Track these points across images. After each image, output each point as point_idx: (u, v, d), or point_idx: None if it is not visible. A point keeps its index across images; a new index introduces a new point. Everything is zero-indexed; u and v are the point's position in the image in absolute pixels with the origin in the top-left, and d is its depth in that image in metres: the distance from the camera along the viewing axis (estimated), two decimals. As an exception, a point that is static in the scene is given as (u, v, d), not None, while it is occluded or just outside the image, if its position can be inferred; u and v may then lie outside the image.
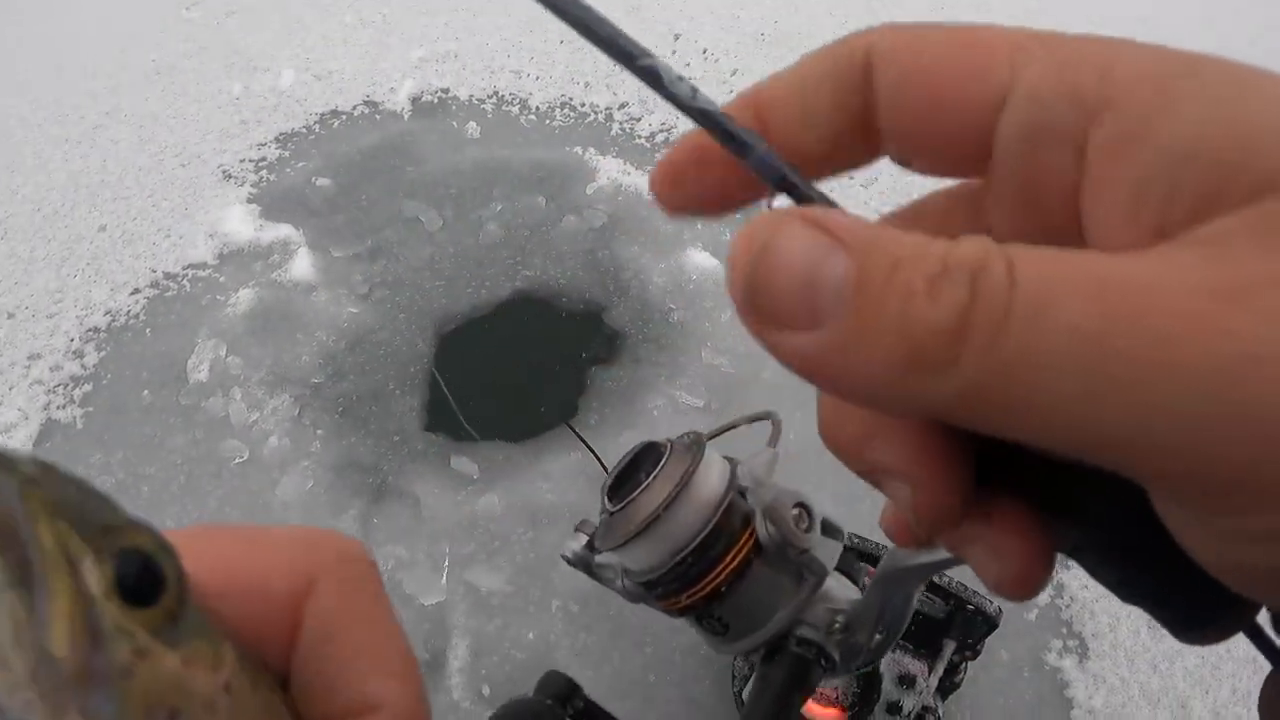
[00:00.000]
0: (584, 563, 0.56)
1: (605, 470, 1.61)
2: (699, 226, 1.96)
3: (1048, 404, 0.16)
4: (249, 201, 2.00)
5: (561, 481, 1.51)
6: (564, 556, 0.56)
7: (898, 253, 0.17)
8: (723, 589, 0.46)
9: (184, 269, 1.88)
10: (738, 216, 0.23)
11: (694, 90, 0.19)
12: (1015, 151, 0.19)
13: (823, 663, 0.50)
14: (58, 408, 1.64)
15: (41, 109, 2.34)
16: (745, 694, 1.12)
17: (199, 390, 1.64)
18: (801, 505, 0.47)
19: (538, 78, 2.33)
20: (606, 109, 2.21)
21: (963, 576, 1.12)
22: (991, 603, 1.06)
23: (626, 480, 0.49)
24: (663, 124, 2.18)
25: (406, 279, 1.84)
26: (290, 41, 2.52)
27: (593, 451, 1.51)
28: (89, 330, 1.76)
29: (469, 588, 1.38)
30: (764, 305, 0.18)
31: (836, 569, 0.50)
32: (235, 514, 1.46)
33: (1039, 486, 0.21)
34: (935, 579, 1.07)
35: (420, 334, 1.75)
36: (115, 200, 2.03)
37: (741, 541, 0.46)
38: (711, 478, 0.47)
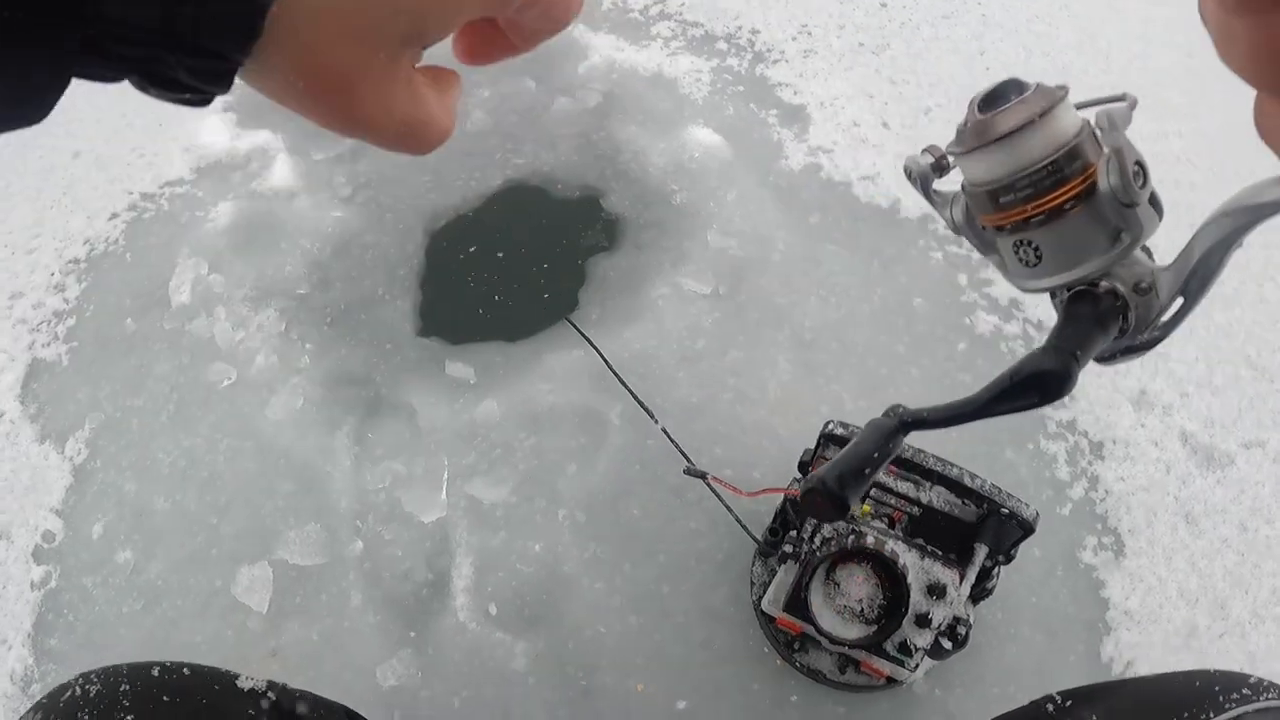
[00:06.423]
0: (924, 179, 0.58)
1: (609, 366, 1.52)
2: (699, 102, 1.81)
3: None
4: (225, 110, 1.86)
5: (563, 381, 1.43)
6: (906, 168, 0.58)
7: None
8: (1067, 206, 0.50)
9: (161, 188, 1.76)
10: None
11: None
12: None
13: (1122, 319, 0.52)
14: (42, 346, 1.55)
15: None
16: (764, 604, 1.07)
17: (182, 313, 1.55)
18: (1140, 165, 0.49)
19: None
20: (597, -19, 2.04)
21: (998, 479, 1.03)
22: (1028, 506, 0.98)
23: (994, 100, 0.51)
24: (656, -6, 2.01)
25: (391, 177, 1.72)
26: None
27: (595, 347, 1.42)
28: (69, 262, 1.66)
29: (471, 501, 1.32)
30: None
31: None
32: (227, 440, 1.39)
33: None
34: (968, 481, 0.99)
35: (408, 234, 1.64)
36: (87, 123, 1.89)
37: (1083, 175, 0.49)
38: (1071, 113, 0.51)
